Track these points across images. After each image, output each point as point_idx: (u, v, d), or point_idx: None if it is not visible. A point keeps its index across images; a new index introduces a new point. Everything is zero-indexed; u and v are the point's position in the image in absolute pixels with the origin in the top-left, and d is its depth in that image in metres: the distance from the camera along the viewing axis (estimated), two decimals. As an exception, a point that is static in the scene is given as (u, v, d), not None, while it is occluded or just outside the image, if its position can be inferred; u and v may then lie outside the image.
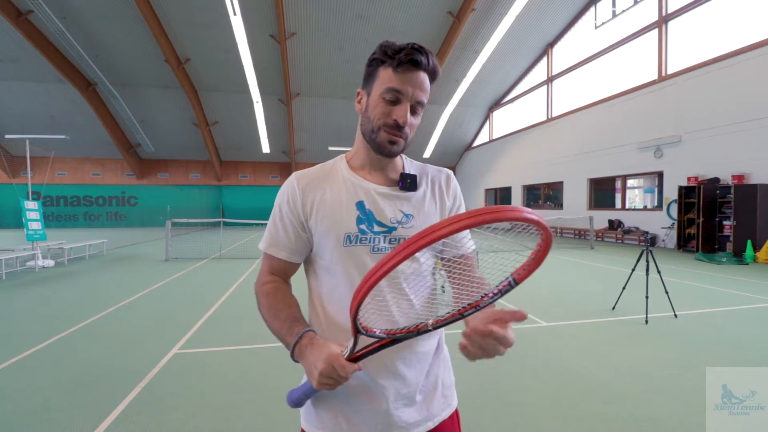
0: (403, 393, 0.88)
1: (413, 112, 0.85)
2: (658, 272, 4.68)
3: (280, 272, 0.97)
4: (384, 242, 0.88)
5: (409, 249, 0.55)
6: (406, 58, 0.81)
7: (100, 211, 23.65)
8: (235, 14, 12.21)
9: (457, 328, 0.68)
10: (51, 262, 8.41)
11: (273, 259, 0.95)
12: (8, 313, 4.81)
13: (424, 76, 0.84)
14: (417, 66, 0.82)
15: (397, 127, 0.84)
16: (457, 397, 1.00)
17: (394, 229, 0.88)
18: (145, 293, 5.81)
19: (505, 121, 21.26)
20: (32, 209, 8.51)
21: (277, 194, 0.95)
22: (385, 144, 0.86)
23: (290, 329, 0.83)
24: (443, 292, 0.98)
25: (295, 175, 0.95)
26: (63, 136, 11.64)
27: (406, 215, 0.90)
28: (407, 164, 0.98)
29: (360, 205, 0.89)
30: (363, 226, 0.88)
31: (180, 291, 6.03)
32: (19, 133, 14.59)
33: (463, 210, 0.99)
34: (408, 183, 0.91)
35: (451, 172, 1.01)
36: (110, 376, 2.99)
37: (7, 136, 11.72)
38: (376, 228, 0.88)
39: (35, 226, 8.44)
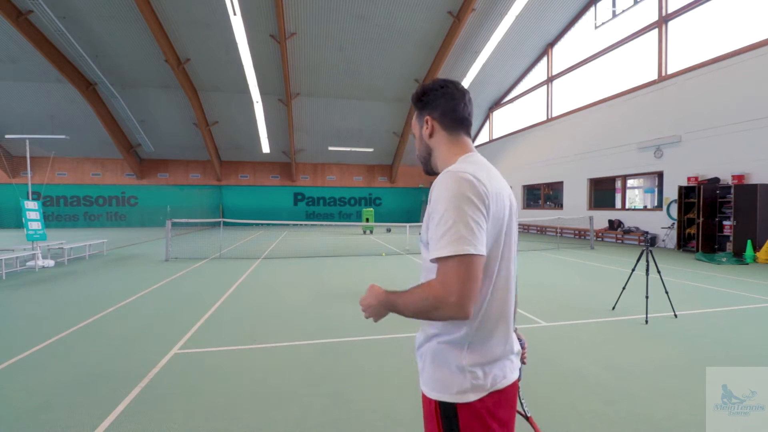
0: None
1: None
2: (658, 272, 4.68)
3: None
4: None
5: None
6: None
7: (100, 211, 23.64)
8: (235, 14, 12.21)
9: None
10: (51, 262, 8.41)
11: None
12: (8, 313, 4.81)
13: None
14: None
15: None
16: (436, 394, 0.95)
17: None
18: (145, 293, 5.81)
19: (505, 121, 21.26)
20: (32, 209, 8.51)
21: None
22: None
23: None
24: None
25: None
26: (63, 136, 11.70)
27: None
28: None
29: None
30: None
31: (180, 291, 6.03)
32: (19, 133, 14.60)
33: (435, 218, 0.90)
34: None
35: (440, 175, 0.95)
36: (110, 376, 2.98)
37: (7, 136, 11.77)
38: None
39: (35, 226, 8.44)
